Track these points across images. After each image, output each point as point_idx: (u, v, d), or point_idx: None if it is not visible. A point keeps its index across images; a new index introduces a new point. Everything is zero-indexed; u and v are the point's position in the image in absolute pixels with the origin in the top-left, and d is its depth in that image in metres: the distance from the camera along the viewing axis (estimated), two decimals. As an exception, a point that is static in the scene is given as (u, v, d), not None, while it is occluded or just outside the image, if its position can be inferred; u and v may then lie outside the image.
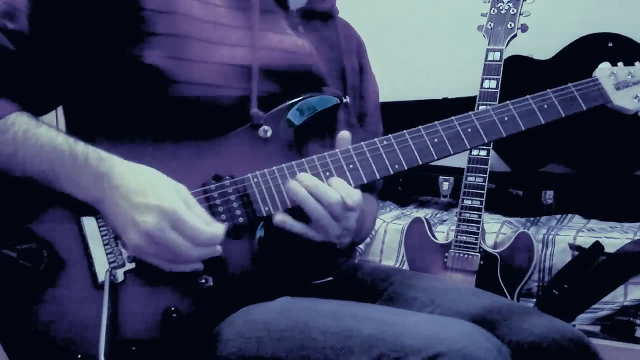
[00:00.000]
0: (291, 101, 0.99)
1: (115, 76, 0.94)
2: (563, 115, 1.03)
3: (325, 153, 0.97)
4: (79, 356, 0.84)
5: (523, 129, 1.02)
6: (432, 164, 1.02)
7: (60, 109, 1.04)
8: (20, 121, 0.88)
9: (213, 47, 0.97)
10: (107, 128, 0.95)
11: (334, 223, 0.94)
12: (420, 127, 0.99)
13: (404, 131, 0.99)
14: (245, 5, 1.03)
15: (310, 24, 1.11)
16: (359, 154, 0.97)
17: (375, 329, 0.81)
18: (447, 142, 0.99)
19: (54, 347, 0.85)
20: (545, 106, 1.03)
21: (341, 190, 0.93)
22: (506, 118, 1.01)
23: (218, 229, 0.87)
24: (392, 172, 0.97)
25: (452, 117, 1.00)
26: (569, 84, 1.05)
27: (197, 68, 0.95)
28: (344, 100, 1.03)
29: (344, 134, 0.98)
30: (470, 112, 1.01)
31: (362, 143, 0.98)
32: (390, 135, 0.99)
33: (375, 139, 0.98)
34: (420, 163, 0.99)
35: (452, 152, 0.99)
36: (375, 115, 1.24)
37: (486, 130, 1.00)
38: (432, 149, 0.98)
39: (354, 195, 0.94)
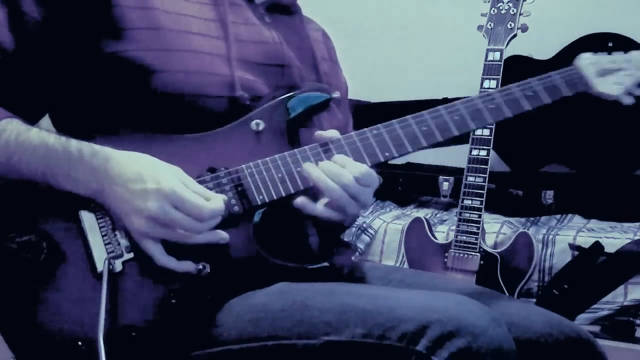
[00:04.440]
0: (284, 96, 1.02)
1: (97, 75, 0.96)
2: (549, 102, 1.06)
3: (317, 143, 0.99)
4: (80, 343, 0.85)
5: (510, 115, 1.05)
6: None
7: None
8: (11, 127, 0.90)
9: (189, 36, 0.99)
10: (97, 128, 0.96)
11: (352, 201, 0.96)
12: (408, 116, 1.02)
13: (393, 120, 1.02)
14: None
15: (276, 16, 1.13)
16: (350, 142, 1.00)
17: (370, 303, 0.84)
18: (435, 129, 1.02)
19: (55, 336, 0.86)
20: (530, 93, 1.05)
21: (351, 168, 0.96)
22: (492, 106, 1.04)
23: (218, 202, 0.90)
24: (382, 159, 1.00)
25: (440, 107, 1.03)
26: (550, 73, 1.08)
27: (176, 56, 0.97)
28: (334, 95, 1.05)
29: (320, 133, 1.01)
30: (457, 101, 1.04)
31: (352, 133, 1.01)
32: (379, 125, 1.01)
33: (365, 129, 1.01)
34: (410, 150, 1.01)
35: (440, 139, 1.02)
36: (345, 103, 1.26)
37: (473, 118, 1.03)
38: (421, 136, 1.01)
39: (361, 169, 0.97)
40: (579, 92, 1.09)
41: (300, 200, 0.96)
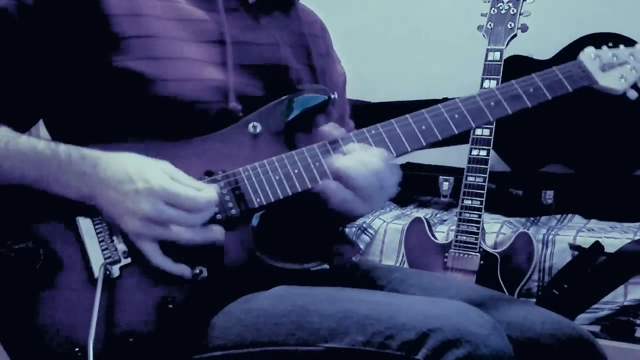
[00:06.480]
0: (281, 98, 1.02)
1: (92, 84, 0.96)
2: (549, 98, 1.04)
3: (314, 144, 0.99)
4: (77, 349, 0.85)
5: (510, 112, 1.03)
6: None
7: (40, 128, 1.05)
8: (0, 134, 0.90)
9: (183, 44, 0.99)
10: (93, 135, 0.96)
11: (380, 188, 0.96)
12: (407, 115, 1.01)
13: (391, 120, 1.01)
14: (208, 4, 1.04)
15: (271, 15, 1.12)
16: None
17: (371, 310, 0.83)
18: (434, 128, 1.01)
19: (52, 342, 0.86)
20: (531, 90, 1.04)
21: (375, 156, 0.96)
22: (492, 103, 1.03)
23: (211, 191, 0.89)
24: None
25: (439, 105, 1.02)
26: (553, 67, 1.07)
27: (170, 65, 0.96)
28: (332, 96, 1.05)
29: (325, 128, 1.01)
30: (457, 99, 1.02)
31: (350, 133, 1.00)
32: (378, 124, 1.00)
33: (363, 129, 1.00)
34: (409, 150, 1.01)
35: (440, 138, 1.01)
36: (343, 95, 1.26)
37: (473, 116, 1.02)
38: (420, 136, 1.00)
39: (379, 151, 0.97)
40: (582, 87, 1.07)
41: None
